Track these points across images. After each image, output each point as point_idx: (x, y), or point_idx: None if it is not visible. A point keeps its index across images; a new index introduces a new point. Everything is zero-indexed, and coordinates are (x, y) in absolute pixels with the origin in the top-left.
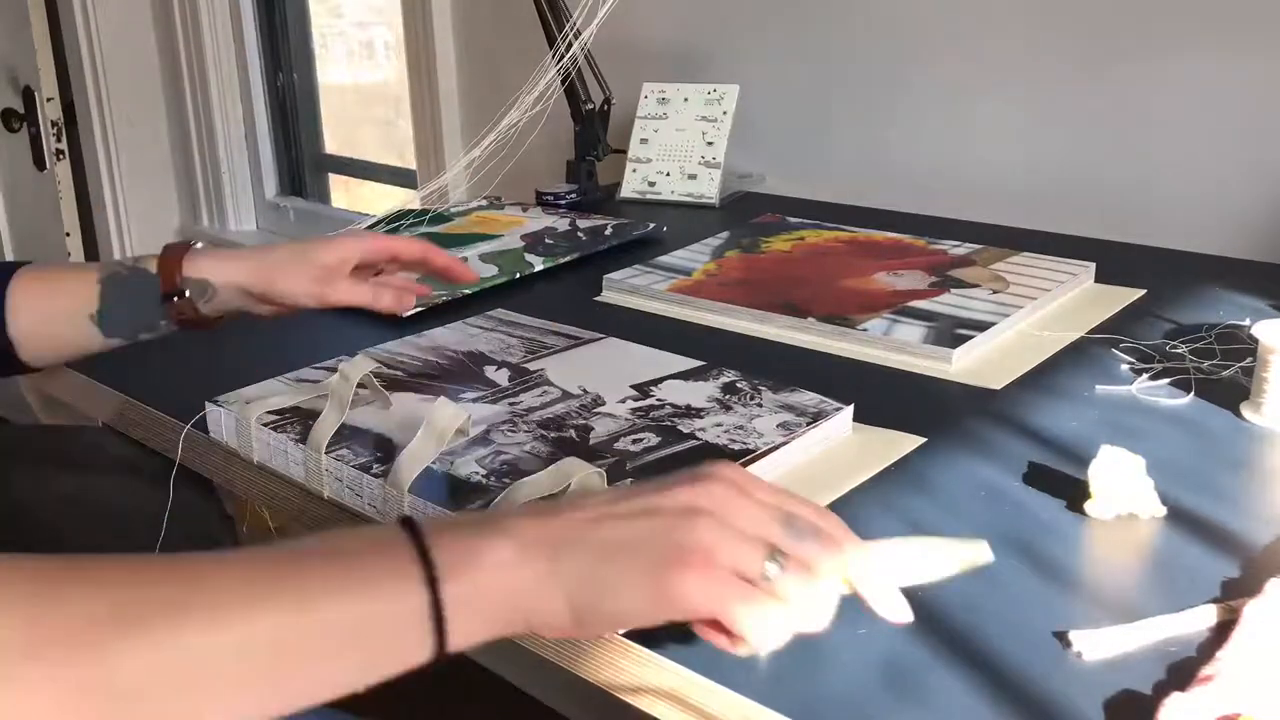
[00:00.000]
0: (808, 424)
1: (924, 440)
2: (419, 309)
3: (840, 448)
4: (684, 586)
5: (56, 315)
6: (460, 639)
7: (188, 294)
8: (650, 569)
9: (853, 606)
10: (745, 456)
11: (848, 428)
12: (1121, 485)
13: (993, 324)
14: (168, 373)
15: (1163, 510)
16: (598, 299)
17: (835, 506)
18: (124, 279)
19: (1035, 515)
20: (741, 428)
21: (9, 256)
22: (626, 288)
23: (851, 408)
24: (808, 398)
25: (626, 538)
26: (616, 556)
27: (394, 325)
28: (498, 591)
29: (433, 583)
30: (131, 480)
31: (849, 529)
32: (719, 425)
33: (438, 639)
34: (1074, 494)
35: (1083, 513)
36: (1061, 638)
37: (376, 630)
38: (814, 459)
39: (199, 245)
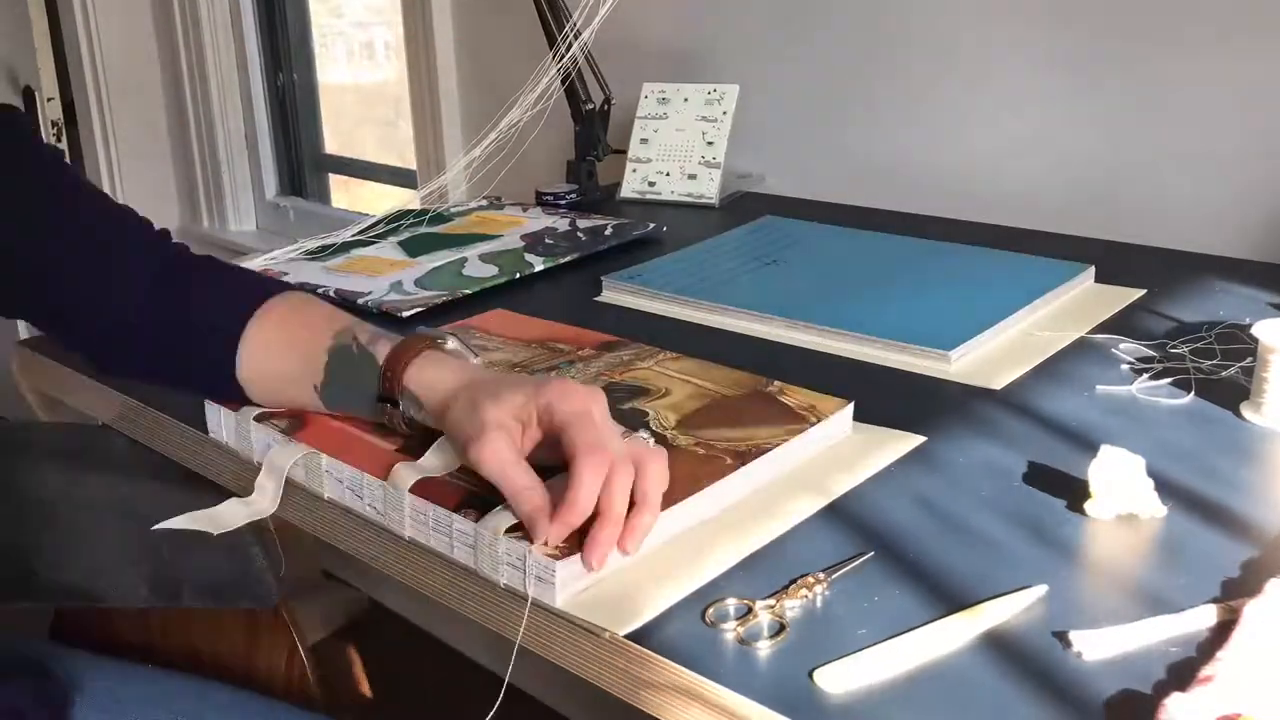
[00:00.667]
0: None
1: (924, 439)
2: (417, 310)
3: (840, 447)
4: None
5: (284, 375)
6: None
7: (400, 406)
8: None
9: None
10: (746, 453)
11: (848, 426)
12: (1121, 485)
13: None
14: None
15: (1163, 510)
16: (598, 299)
17: (835, 506)
18: (351, 359)
19: (1035, 514)
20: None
21: None
22: (627, 289)
23: (851, 406)
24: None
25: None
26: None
27: (394, 326)
28: None
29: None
30: (134, 479)
31: None
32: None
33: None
34: (1074, 494)
35: (1082, 512)
36: (1062, 638)
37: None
38: (814, 457)
39: (448, 342)
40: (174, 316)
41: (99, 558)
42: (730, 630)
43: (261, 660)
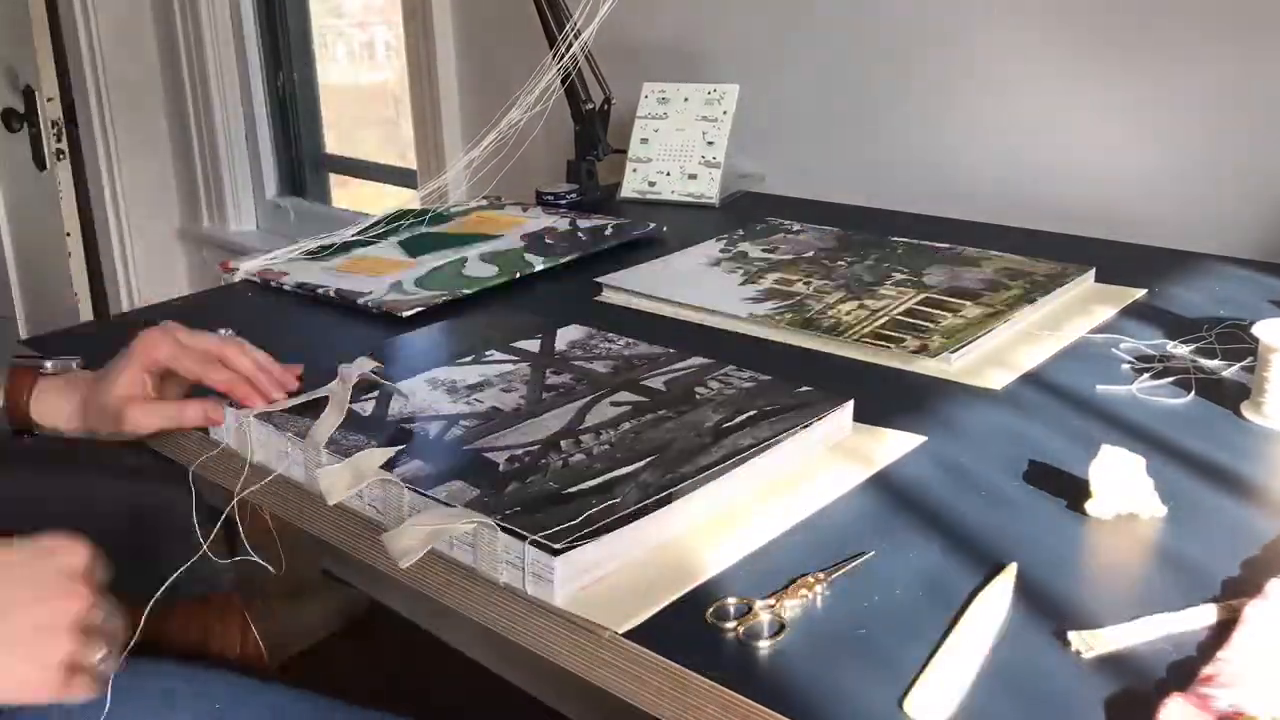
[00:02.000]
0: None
1: (924, 439)
2: (417, 309)
3: (840, 446)
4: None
5: None
6: None
7: (37, 433)
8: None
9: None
10: (745, 452)
11: (848, 424)
12: (1122, 485)
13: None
14: None
15: (1163, 510)
16: (598, 299)
17: (834, 506)
18: None
19: (1036, 514)
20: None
21: (9, 256)
22: (623, 290)
23: (851, 403)
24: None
25: None
26: None
27: (394, 326)
28: None
29: None
30: (130, 480)
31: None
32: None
33: None
34: (1074, 493)
35: (1083, 512)
36: (1061, 637)
37: None
38: (814, 456)
39: (48, 366)
40: None
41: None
42: (730, 629)
43: (215, 645)
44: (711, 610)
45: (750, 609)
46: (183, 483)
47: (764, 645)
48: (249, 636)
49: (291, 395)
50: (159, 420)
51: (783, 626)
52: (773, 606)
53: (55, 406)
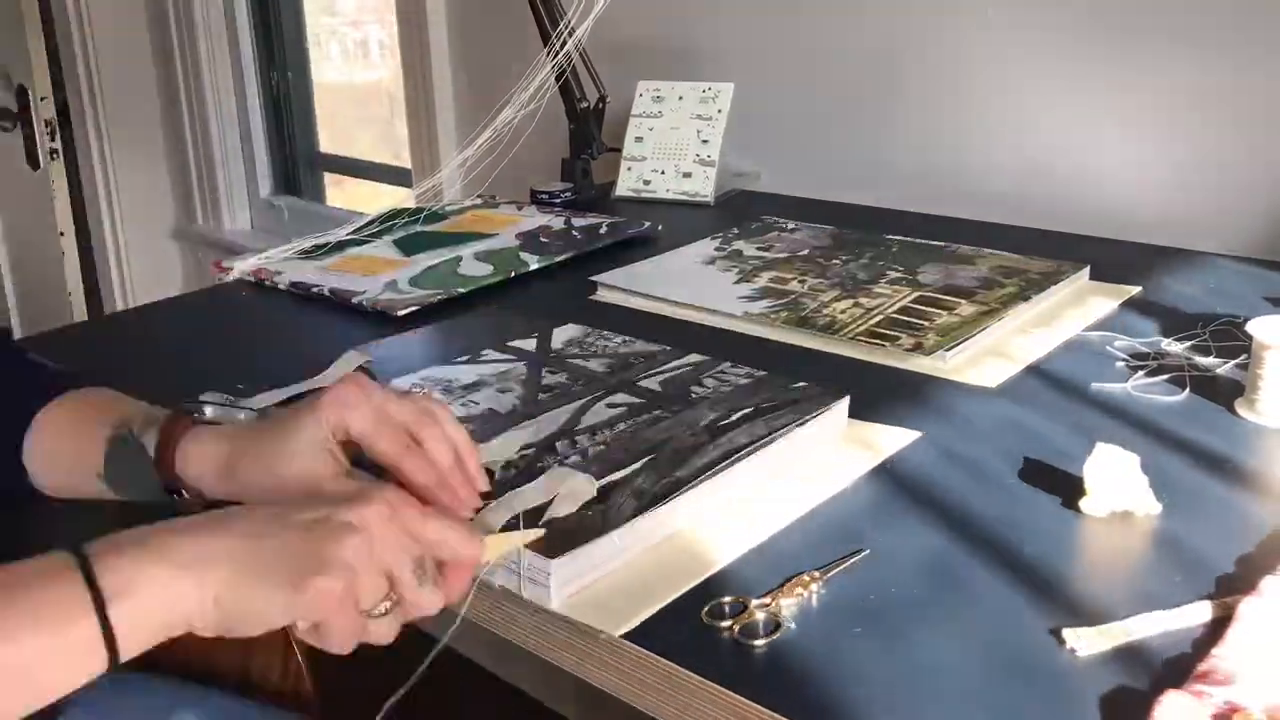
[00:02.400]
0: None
1: (919, 434)
2: (412, 308)
3: (836, 442)
4: (314, 602)
5: (69, 465)
6: (130, 651)
7: (186, 495)
8: (290, 578)
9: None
10: (741, 450)
11: (844, 420)
12: (1116, 482)
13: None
14: (167, 375)
15: (1158, 507)
16: (593, 298)
17: (830, 503)
18: (127, 449)
19: (1030, 512)
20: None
21: (4, 255)
22: (618, 289)
23: (846, 399)
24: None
25: (274, 551)
26: (262, 570)
27: (388, 325)
28: (158, 608)
29: (101, 606)
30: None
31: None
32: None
33: (110, 654)
34: (1069, 491)
35: (1078, 510)
36: (1056, 634)
37: (52, 660)
38: (809, 453)
39: (208, 413)
40: None
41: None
42: (726, 628)
43: (256, 665)
44: (707, 610)
45: (745, 608)
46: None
47: (760, 644)
48: (291, 663)
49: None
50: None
51: (779, 625)
52: (768, 605)
53: (199, 452)
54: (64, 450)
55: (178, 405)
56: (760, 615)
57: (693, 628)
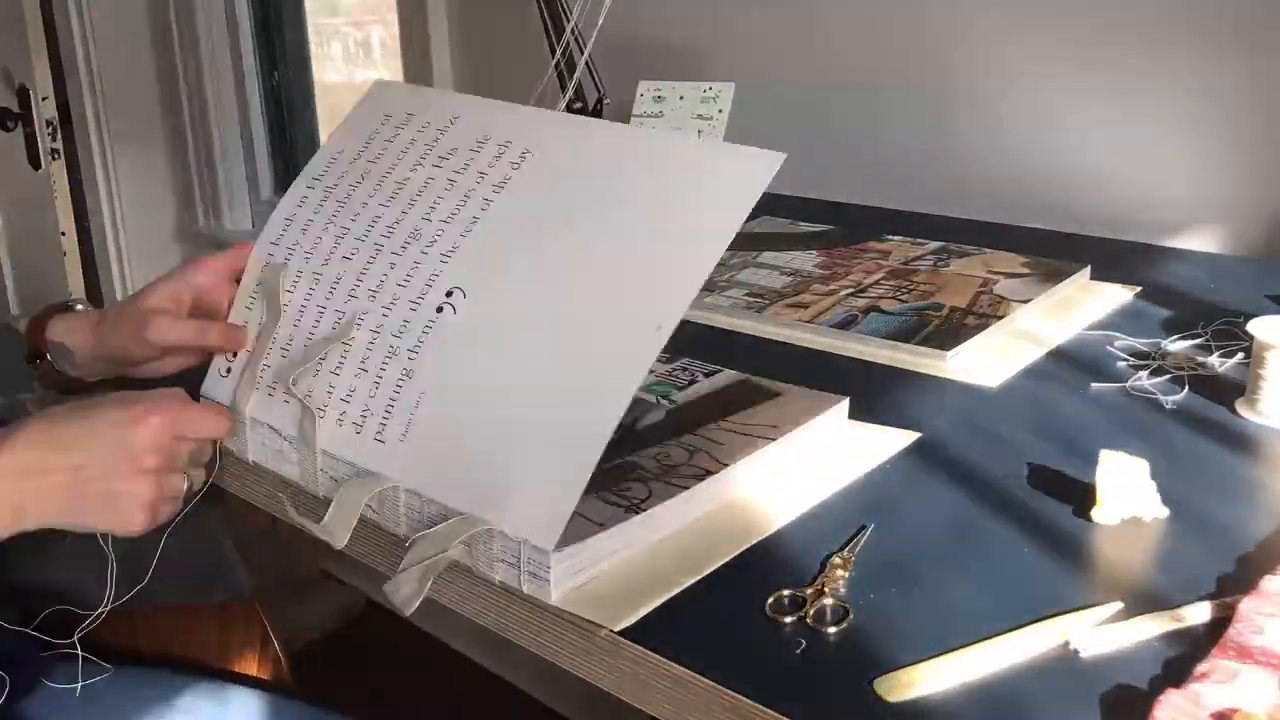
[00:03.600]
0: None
1: (919, 436)
2: None
3: (836, 443)
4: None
5: None
6: None
7: (49, 357)
8: (101, 521)
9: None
10: (741, 449)
11: (844, 420)
12: (1126, 490)
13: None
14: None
15: (1165, 511)
16: None
17: (832, 500)
18: (3, 339)
19: (1035, 516)
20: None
21: (4, 256)
22: None
23: (846, 401)
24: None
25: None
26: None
27: None
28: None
29: None
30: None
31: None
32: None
33: None
34: (1074, 495)
35: (1088, 517)
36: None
37: None
38: (808, 455)
39: (79, 307)
40: None
41: (72, 556)
42: (793, 621)
43: (235, 655)
44: (771, 602)
45: (805, 599)
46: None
47: (833, 631)
48: (269, 648)
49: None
50: (182, 332)
51: (847, 611)
52: (823, 592)
53: (70, 327)
54: None
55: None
56: (828, 602)
57: (693, 624)
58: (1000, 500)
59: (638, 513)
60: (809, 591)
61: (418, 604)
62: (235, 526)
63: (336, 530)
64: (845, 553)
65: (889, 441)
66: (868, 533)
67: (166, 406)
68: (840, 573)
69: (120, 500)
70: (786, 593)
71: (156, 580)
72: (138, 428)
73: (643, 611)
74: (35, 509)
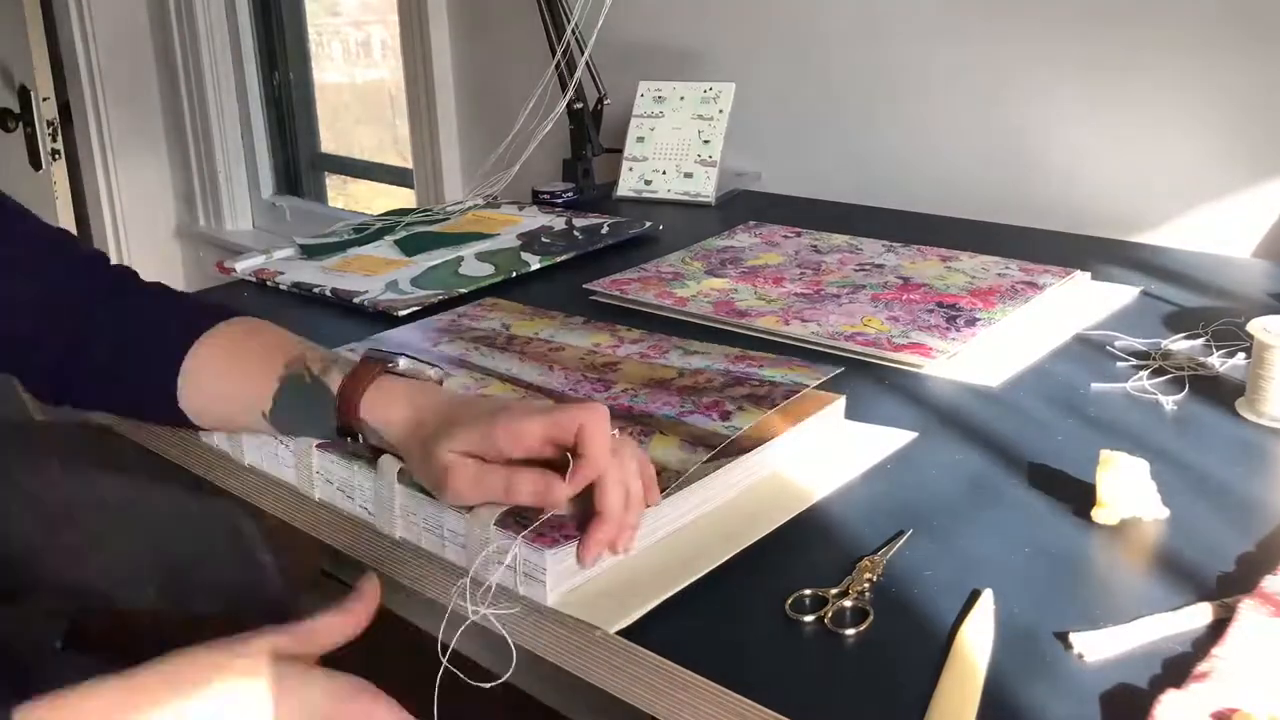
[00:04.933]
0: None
1: (915, 435)
2: (413, 309)
3: (834, 442)
4: None
5: (232, 401)
6: None
7: (360, 439)
8: None
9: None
10: (737, 450)
11: (840, 420)
12: (1127, 490)
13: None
14: None
15: (1165, 512)
16: (594, 298)
17: (831, 498)
18: (304, 388)
19: (1038, 519)
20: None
21: None
22: (609, 296)
23: (843, 399)
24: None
25: None
26: None
27: (389, 325)
28: None
29: None
30: (140, 480)
31: None
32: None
33: None
34: (1074, 495)
35: (1088, 519)
36: (1063, 639)
37: None
38: (806, 455)
39: (401, 365)
40: (121, 339)
41: (109, 558)
42: (813, 621)
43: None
44: (790, 602)
45: (826, 600)
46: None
47: (850, 633)
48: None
49: None
50: (480, 496)
51: (866, 614)
52: (847, 594)
53: (387, 405)
54: (225, 385)
55: (367, 352)
56: (847, 603)
57: (688, 624)
58: (1000, 500)
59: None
60: (832, 592)
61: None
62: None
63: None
64: (877, 556)
65: (887, 440)
66: (904, 539)
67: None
68: (868, 576)
69: None
70: (808, 593)
71: (193, 587)
72: None
73: (639, 613)
74: None
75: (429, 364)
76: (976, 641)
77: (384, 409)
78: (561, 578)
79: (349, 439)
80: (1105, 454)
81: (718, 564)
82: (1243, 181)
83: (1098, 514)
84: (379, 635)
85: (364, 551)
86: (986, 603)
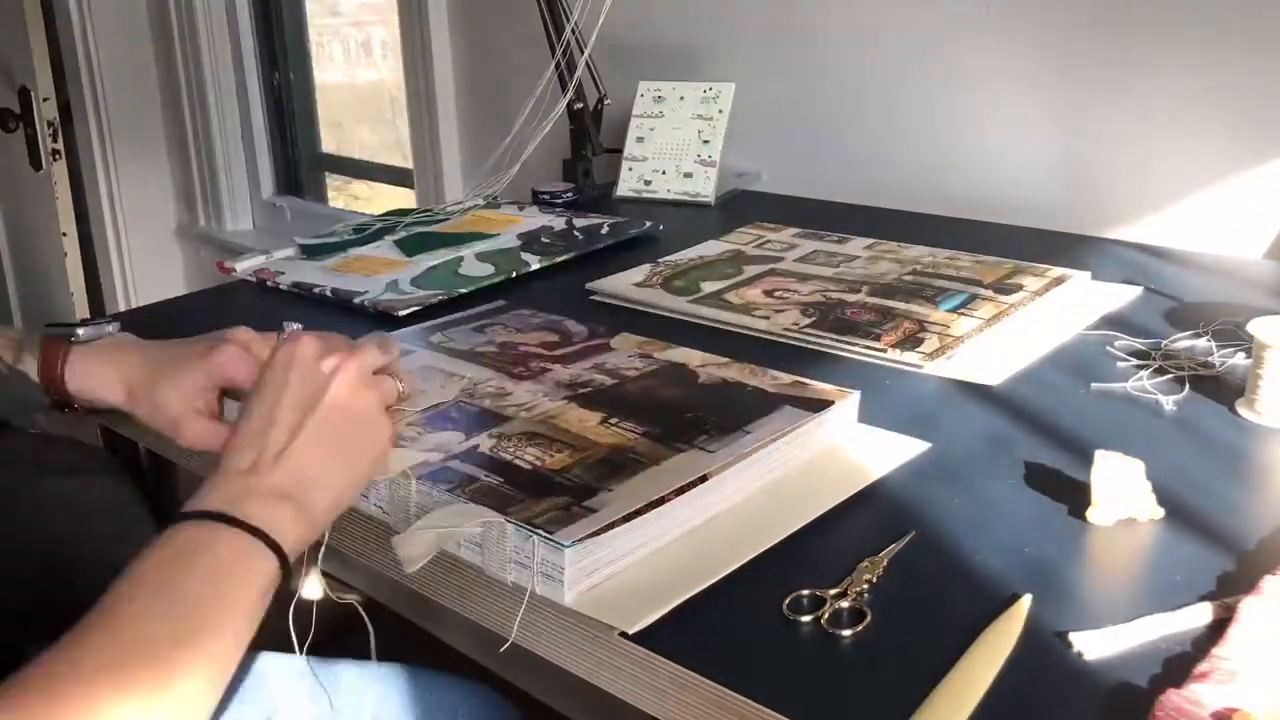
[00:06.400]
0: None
1: (924, 444)
2: (414, 308)
3: (842, 448)
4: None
5: None
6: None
7: (79, 408)
8: (370, 462)
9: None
10: (746, 449)
11: (853, 417)
12: (1122, 491)
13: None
14: None
15: (1161, 512)
16: (594, 297)
17: (838, 509)
18: (4, 379)
19: (1035, 518)
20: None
21: (6, 257)
22: (609, 293)
23: (857, 394)
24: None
25: (337, 447)
26: (341, 471)
27: (390, 325)
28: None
29: (277, 549)
30: (67, 476)
31: None
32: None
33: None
34: (1074, 498)
35: (1084, 519)
36: (1063, 638)
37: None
38: (817, 456)
39: (80, 334)
40: None
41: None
42: (810, 621)
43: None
44: (788, 603)
45: (824, 601)
46: (121, 478)
47: (847, 634)
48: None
49: None
50: (217, 444)
51: (864, 615)
52: (845, 595)
53: (93, 375)
54: None
55: (44, 331)
56: (844, 604)
57: (706, 627)
58: (997, 500)
59: (651, 512)
60: (831, 593)
61: (419, 567)
62: None
63: (414, 553)
64: (878, 556)
65: (899, 445)
66: (906, 539)
67: (336, 346)
68: (868, 577)
69: (368, 437)
70: (805, 593)
71: (78, 571)
72: (338, 378)
73: (656, 614)
74: (320, 496)
75: (104, 320)
76: (998, 643)
77: (87, 379)
78: (579, 576)
79: (67, 410)
80: (1100, 454)
81: (737, 566)
82: (1244, 181)
83: (1092, 514)
84: (377, 636)
85: (368, 551)
86: (1022, 608)
